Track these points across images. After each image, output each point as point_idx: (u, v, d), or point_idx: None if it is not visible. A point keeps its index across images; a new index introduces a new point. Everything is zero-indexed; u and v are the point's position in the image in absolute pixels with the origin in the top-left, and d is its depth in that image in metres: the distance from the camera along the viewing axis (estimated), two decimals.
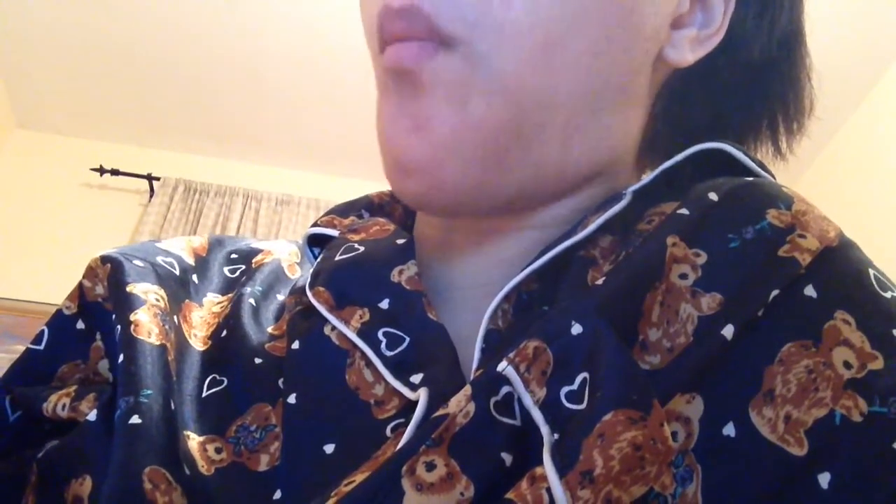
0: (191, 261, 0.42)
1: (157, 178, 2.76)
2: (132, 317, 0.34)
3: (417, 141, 0.33)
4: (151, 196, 2.77)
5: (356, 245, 0.39)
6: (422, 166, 0.33)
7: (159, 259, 0.40)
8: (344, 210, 0.45)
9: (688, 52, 0.38)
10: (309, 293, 0.36)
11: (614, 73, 0.35)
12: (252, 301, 0.40)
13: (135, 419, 0.30)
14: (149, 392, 0.31)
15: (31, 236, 2.65)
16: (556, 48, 0.32)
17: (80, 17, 2.40)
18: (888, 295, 0.30)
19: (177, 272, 0.40)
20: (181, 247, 0.43)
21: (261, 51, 2.50)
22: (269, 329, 0.38)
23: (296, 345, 0.35)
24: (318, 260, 0.40)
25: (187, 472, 0.30)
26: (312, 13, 2.37)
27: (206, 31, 2.44)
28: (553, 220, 0.37)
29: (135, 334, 0.34)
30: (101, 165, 2.74)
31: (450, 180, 0.33)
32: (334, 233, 0.42)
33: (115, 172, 2.75)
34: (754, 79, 0.41)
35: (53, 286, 2.24)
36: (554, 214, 0.37)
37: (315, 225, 0.43)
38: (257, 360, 0.36)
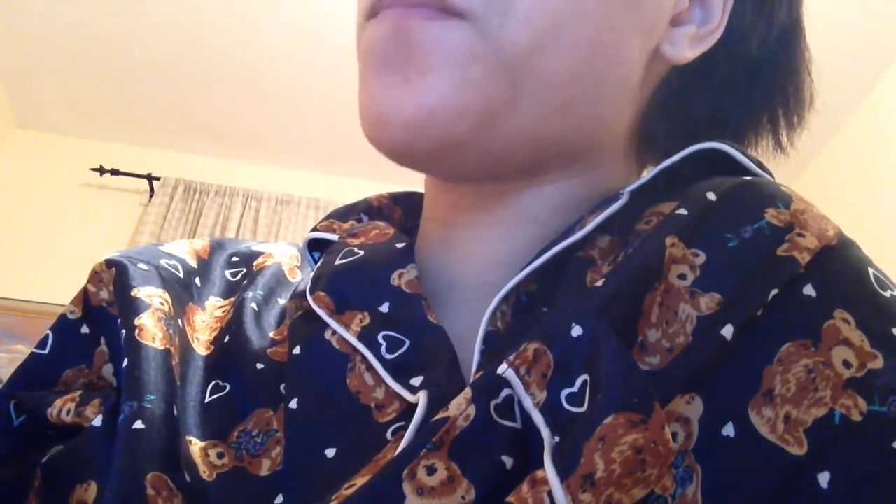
0: (193, 263, 0.42)
1: (157, 178, 2.76)
2: (137, 321, 0.34)
3: (403, 89, 0.31)
4: (151, 196, 2.77)
5: (356, 249, 0.39)
6: (403, 112, 0.31)
7: (163, 262, 0.40)
8: (343, 214, 0.45)
9: (686, 49, 0.38)
10: (309, 298, 0.36)
11: (613, 63, 0.35)
12: (254, 306, 0.40)
13: (138, 424, 0.30)
14: (152, 397, 0.31)
15: (31, 236, 2.65)
16: (563, 30, 0.32)
17: (80, 17, 2.40)
18: (888, 294, 0.30)
19: (180, 275, 0.40)
20: (184, 249, 0.43)
21: (261, 50, 2.49)
22: (271, 334, 0.38)
23: (297, 350, 0.35)
24: (318, 265, 0.40)
25: (188, 478, 0.30)
26: (312, 13, 2.36)
27: (206, 31, 2.44)
28: (548, 210, 0.37)
29: (139, 339, 0.34)
30: (101, 165, 2.74)
31: (433, 127, 0.31)
32: (334, 237, 0.42)
33: (115, 172, 2.75)
34: (754, 73, 0.41)
35: (53, 286, 2.24)
36: (544, 203, 0.37)
37: (314, 230, 0.43)
38: (259, 366, 0.36)
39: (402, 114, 0.31)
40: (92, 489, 0.30)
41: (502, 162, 0.35)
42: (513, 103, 0.32)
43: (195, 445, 0.32)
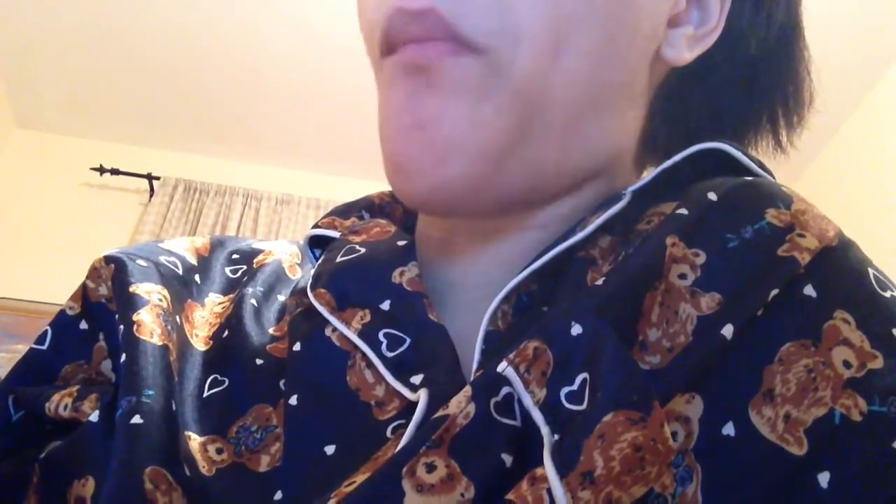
0: (193, 261, 0.42)
1: (157, 178, 2.76)
2: (135, 317, 0.34)
3: (419, 139, 0.32)
4: (151, 196, 2.77)
5: (357, 246, 0.39)
6: (421, 167, 0.32)
7: (162, 259, 0.40)
8: (344, 211, 0.45)
9: (685, 50, 0.38)
10: (310, 295, 0.36)
11: (615, 73, 0.35)
12: (254, 302, 0.40)
13: (136, 419, 0.30)
14: (150, 392, 0.31)
15: (31, 236, 2.65)
16: (564, 49, 0.32)
17: (80, 17, 2.40)
18: (888, 294, 0.30)
19: (180, 272, 0.40)
20: (184, 247, 0.43)
21: (261, 50, 2.49)
22: (271, 330, 0.39)
23: (297, 346, 0.35)
24: (320, 261, 0.40)
25: (188, 472, 0.30)
26: (312, 13, 2.36)
27: (207, 30, 2.44)
28: (553, 219, 0.37)
29: (137, 334, 0.34)
30: (101, 165, 2.74)
31: (450, 180, 0.32)
32: (335, 234, 0.42)
33: (115, 172, 2.75)
34: (753, 73, 0.41)
35: (53, 286, 2.24)
36: (554, 214, 0.37)
37: (316, 226, 0.43)
38: (258, 361, 0.36)
39: (418, 166, 0.32)
40: (90, 484, 0.30)
41: (518, 197, 0.35)
42: (522, 136, 0.33)
43: (194, 440, 0.32)
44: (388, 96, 0.34)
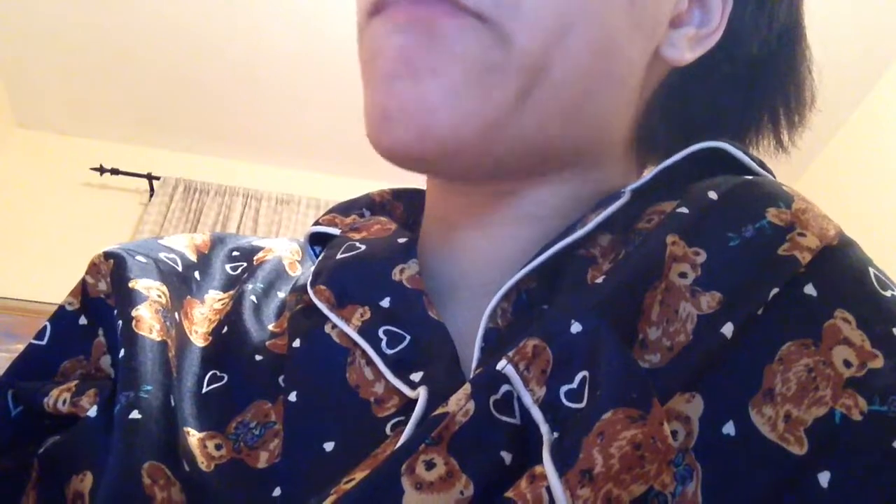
0: (193, 258, 0.42)
1: (157, 178, 2.76)
2: (134, 312, 0.34)
3: (410, 86, 0.31)
4: (151, 195, 2.77)
5: (357, 244, 0.39)
6: (408, 112, 0.31)
7: (162, 255, 0.40)
8: (345, 209, 0.45)
9: (686, 50, 0.38)
10: (310, 291, 0.36)
11: (615, 65, 0.35)
12: (253, 298, 0.40)
13: (134, 414, 0.30)
14: (149, 388, 0.32)
15: (31, 236, 2.65)
16: (569, 30, 0.32)
17: (81, 17, 2.40)
18: (888, 294, 0.30)
19: (179, 268, 0.41)
20: (184, 244, 0.43)
21: (261, 50, 2.49)
22: (270, 327, 0.39)
23: (297, 343, 0.35)
24: (320, 258, 0.40)
25: (186, 468, 0.30)
26: (313, 12, 2.36)
27: (206, 30, 2.44)
28: (545, 210, 0.37)
29: (136, 330, 0.34)
30: (101, 165, 2.74)
31: (438, 131, 0.31)
32: (336, 231, 0.42)
33: (115, 172, 2.75)
34: (754, 73, 0.41)
35: (53, 286, 2.24)
36: (544, 203, 0.37)
37: (317, 224, 0.43)
38: (258, 358, 0.36)
39: (406, 111, 0.31)
40: (88, 479, 0.30)
41: (503, 164, 0.35)
42: (520, 110, 0.32)
43: (193, 436, 0.32)
44: (378, 51, 0.32)
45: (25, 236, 2.64)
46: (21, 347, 0.37)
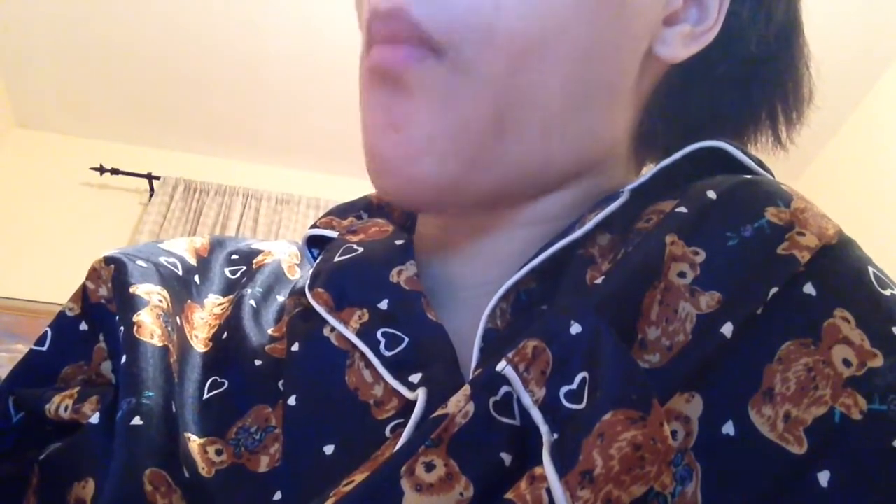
0: (193, 261, 0.42)
1: (157, 178, 2.76)
2: (135, 318, 0.34)
3: (394, 139, 0.33)
4: (151, 195, 2.77)
5: (355, 246, 0.39)
6: (395, 164, 0.33)
7: (162, 259, 0.40)
8: (343, 211, 0.45)
9: (680, 48, 0.38)
10: (308, 295, 0.36)
11: (601, 73, 0.35)
12: (253, 303, 0.40)
13: (136, 421, 0.30)
14: (150, 394, 0.31)
15: (31, 236, 2.65)
16: (544, 50, 0.32)
17: (81, 17, 2.40)
18: (887, 293, 0.30)
19: (180, 272, 0.40)
20: (184, 247, 0.43)
21: (261, 50, 2.49)
22: (270, 331, 0.39)
23: (296, 346, 0.35)
24: (318, 261, 0.40)
25: (186, 474, 0.30)
26: (312, 13, 2.36)
27: (206, 30, 2.44)
28: (545, 216, 0.37)
29: (137, 336, 0.34)
30: (101, 164, 2.74)
31: (424, 178, 0.32)
32: (333, 234, 0.42)
33: (115, 172, 2.75)
34: (752, 71, 0.41)
35: (53, 286, 2.24)
36: (545, 210, 0.37)
37: (314, 226, 0.43)
38: (257, 362, 0.36)
39: (392, 161, 0.33)
40: (90, 486, 0.30)
41: (496, 196, 0.35)
42: (499, 133, 0.33)
43: (194, 442, 0.32)
44: (364, 95, 0.35)
45: (25, 236, 2.64)
46: (21, 347, 0.37)
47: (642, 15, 0.36)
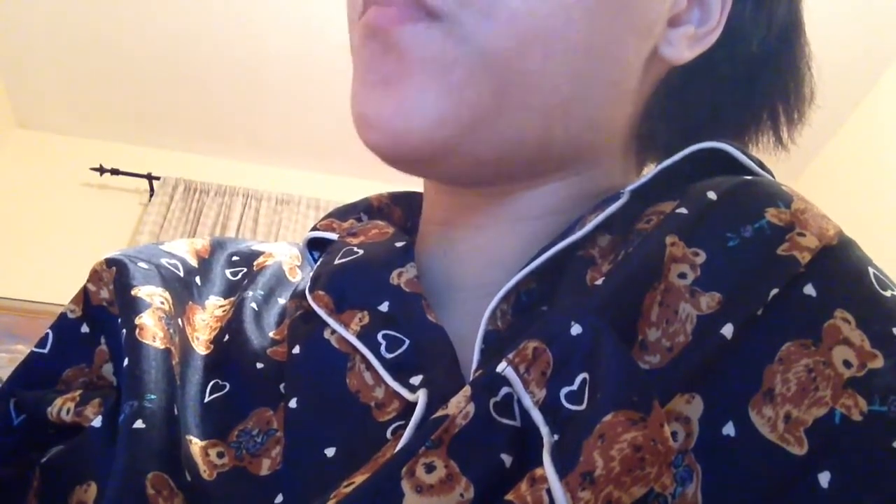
0: (194, 263, 0.42)
1: (158, 178, 2.77)
2: (137, 321, 0.34)
3: (382, 93, 0.32)
4: (151, 195, 2.77)
5: (355, 248, 0.39)
6: (385, 117, 0.32)
7: (163, 261, 0.40)
8: (343, 213, 0.45)
9: (685, 49, 0.38)
10: (309, 297, 0.36)
11: (606, 67, 0.35)
12: (254, 305, 0.40)
13: (139, 424, 0.30)
14: (152, 397, 0.31)
15: (31, 236, 2.65)
16: (548, 39, 0.32)
17: (81, 17, 2.40)
18: (888, 294, 0.30)
19: (181, 274, 0.40)
20: (184, 249, 0.43)
21: (261, 50, 2.49)
22: (271, 334, 0.38)
23: (296, 349, 0.35)
24: (318, 264, 0.40)
25: (188, 477, 0.30)
26: (312, 13, 2.36)
27: (207, 30, 2.44)
28: (543, 209, 0.37)
29: (140, 338, 0.34)
30: (101, 165, 2.74)
31: (413, 134, 0.32)
32: (333, 236, 0.42)
33: (115, 172, 2.75)
34: (754, 72, 0.41)
35: (54, 286, 2.24)
36: (543, 203, 0.37)
37: (314, 229, 0.43)
38: (259, 365, 0.36)
39: (382, 119, 0.32)
40: (92, 490, 0.30)
41: (493, 167, 0.35)
42: (498, 109, 0.32)
43: (195, 445, 0.32)
44: (357, 58, 0.34)
45: (25, 236, 2.65)
46: (21, 348, 0.37)
47: (648, 14, 0.36)
